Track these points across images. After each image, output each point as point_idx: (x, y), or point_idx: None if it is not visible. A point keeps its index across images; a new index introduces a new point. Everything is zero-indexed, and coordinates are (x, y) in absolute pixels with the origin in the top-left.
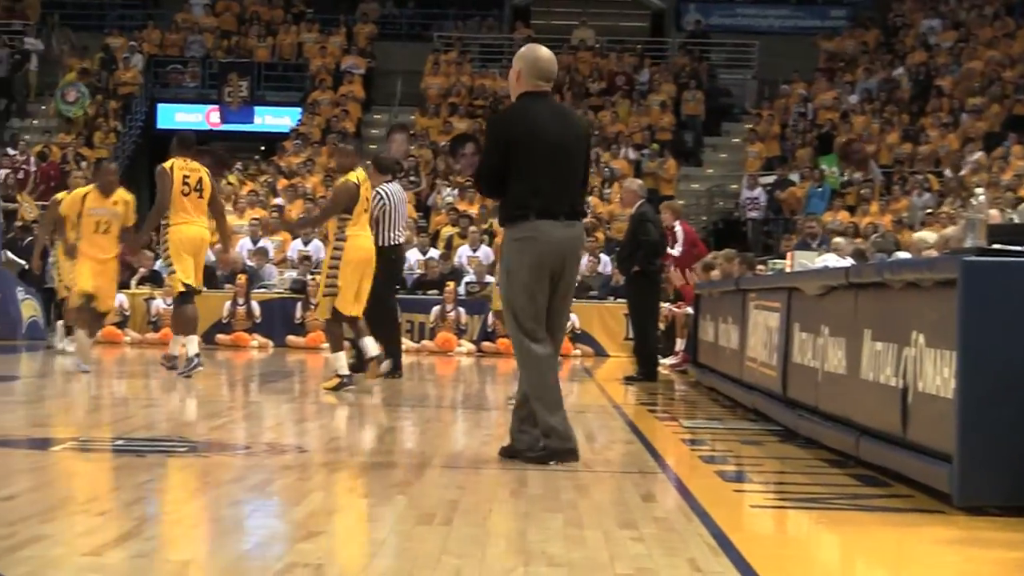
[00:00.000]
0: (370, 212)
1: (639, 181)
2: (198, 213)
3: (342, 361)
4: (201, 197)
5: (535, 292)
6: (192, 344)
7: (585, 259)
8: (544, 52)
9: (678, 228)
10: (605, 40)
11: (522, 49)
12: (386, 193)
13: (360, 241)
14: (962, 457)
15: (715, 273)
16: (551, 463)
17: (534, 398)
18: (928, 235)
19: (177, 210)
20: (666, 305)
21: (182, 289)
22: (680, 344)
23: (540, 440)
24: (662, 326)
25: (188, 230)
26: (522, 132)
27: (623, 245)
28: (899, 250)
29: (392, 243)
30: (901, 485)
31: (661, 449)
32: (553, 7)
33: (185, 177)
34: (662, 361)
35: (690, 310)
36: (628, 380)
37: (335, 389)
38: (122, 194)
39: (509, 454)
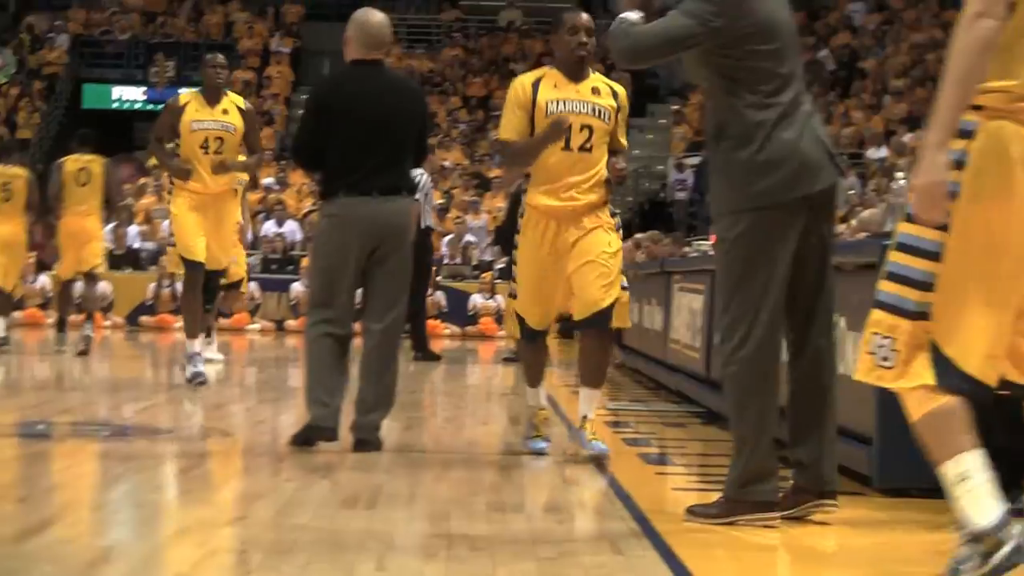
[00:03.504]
0: None
1: None
2: None
3: None
4: None
5: (334, 273)
6: None
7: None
8: (375, 18)
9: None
10: (533, 21)
11: (355, 13)
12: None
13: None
14: (881, 439)
15: (640, 254)
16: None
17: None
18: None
19: None
20: None
21: None
22: None
23: (378, 428)
24: None
25: None
26: (340, 103)
27: (503, 226)
28: None
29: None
30: None
31: None
32: None
33: None
34: None
35: None
36: (508, 360)
37: None
38: None
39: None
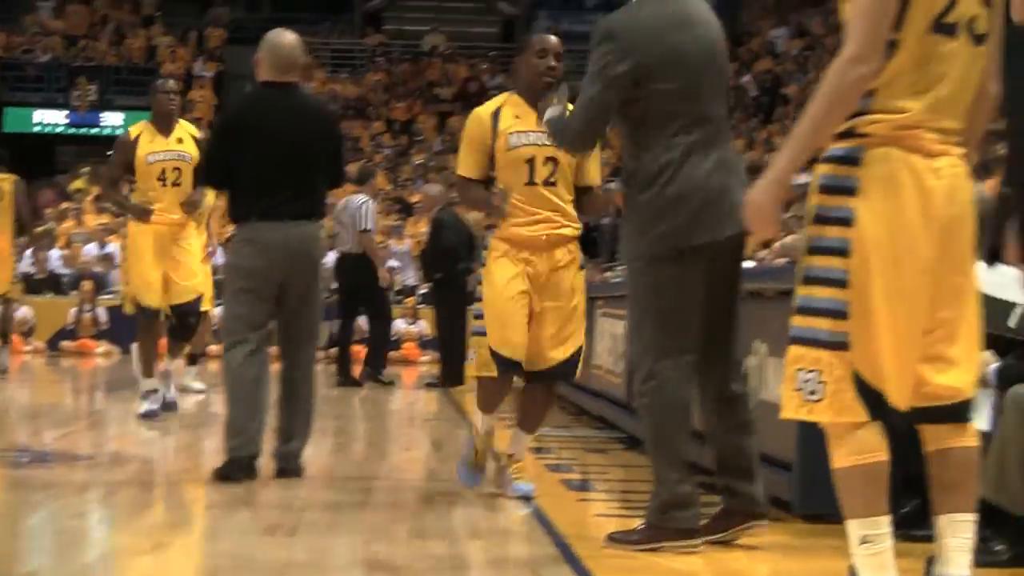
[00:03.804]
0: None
1: (439, 186)
2: None
3: None
4: None
5: (251, 297)
6: None
7: None
8: (287, 39)
9: None
10: (456, 46)
11: (267, 34)
12: (365, 201)
13: None
14: (801, 465)
15: None
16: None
17: (226, 411)
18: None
19: None
20: None
21: None
22: None
23: (299, 456)
24: None
25: None
26: (251, 126)
27: (425, 251)
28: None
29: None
30: None
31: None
32: (404, 13)
33: None
34: None
35: None
36: (431, 385)
37: None
38: None
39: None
